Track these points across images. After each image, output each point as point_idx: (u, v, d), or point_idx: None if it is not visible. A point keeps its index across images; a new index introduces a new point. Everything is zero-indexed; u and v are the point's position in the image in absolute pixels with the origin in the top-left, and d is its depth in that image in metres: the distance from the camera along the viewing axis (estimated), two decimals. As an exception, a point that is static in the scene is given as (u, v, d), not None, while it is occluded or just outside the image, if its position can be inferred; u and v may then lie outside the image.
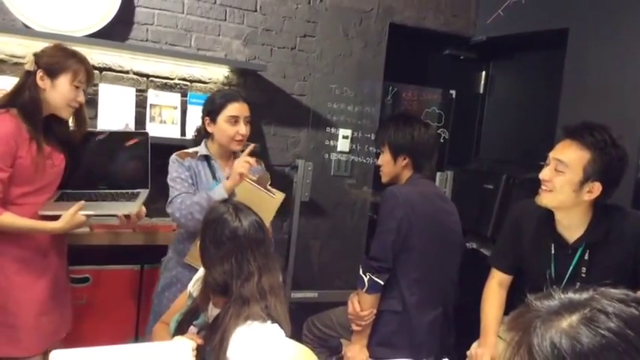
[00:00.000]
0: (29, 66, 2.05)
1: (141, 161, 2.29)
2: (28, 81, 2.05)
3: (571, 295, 0.79)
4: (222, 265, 1.59)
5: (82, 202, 2.11)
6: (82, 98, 2.11)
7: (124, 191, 2.28)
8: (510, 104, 3.89)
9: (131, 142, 2.25)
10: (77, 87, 2.08)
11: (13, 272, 2.06)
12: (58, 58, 2.06)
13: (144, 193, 2.26)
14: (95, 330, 2.48)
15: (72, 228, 2.06)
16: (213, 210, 1.68)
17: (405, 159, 2.38)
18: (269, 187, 2.37)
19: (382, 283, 2.24)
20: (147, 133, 2.28)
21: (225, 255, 1.59)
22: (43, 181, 2.10)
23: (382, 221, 2.29)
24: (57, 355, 1.32)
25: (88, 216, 2.05)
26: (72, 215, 2.03)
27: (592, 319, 0.75)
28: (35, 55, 2.07)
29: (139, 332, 2.83)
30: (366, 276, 2.24)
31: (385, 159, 2.43)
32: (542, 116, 3.40)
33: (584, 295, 0.78)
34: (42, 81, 2.04)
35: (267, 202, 2.29)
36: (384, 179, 2.47)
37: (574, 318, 0.76)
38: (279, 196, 2.34)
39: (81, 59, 2.10)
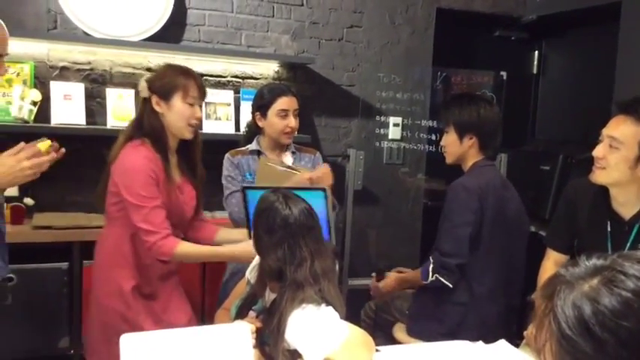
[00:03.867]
0: (144, 93, 2.01)
1: None
2: (146, 109, 2.01)
3: (595, 260, 0.81)
4: (275, 252, 1.65)
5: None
6: (199, 114, 2.03)
7: None
8: (565, 83, 3.79)
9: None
10: (191, 104, 1.99)
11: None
12: (167, 78, 1.99)
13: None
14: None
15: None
16: (263, 200, 1.74)
17: (471, 138, 2.31)
18: (292, 166, 2.39)
19: (451, 286, 2.20)
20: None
21: (278, 242, 1.65)
22: (178, 213, 2.04)
23: (456, 215, 2.23)
24: (127, 339, 1.41)
25: None
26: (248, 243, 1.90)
27: (611, 280, 0.77)
28: (147, 80, 2.02)
29: (205, 321, 2.95)
30: (433, 276, 2.20)
31: (450, 139, 2.35)
32: (599, 93, 3.30)
33: (608, 260, 0.80)
34: (158, 106, 1.99)
35: (294, 179, 2.28)
36: (449, 160, 2.40)
37: (595, 281, 0.78)
38: (304, 171, 2.34)
39: (189, 74, 2.02)
